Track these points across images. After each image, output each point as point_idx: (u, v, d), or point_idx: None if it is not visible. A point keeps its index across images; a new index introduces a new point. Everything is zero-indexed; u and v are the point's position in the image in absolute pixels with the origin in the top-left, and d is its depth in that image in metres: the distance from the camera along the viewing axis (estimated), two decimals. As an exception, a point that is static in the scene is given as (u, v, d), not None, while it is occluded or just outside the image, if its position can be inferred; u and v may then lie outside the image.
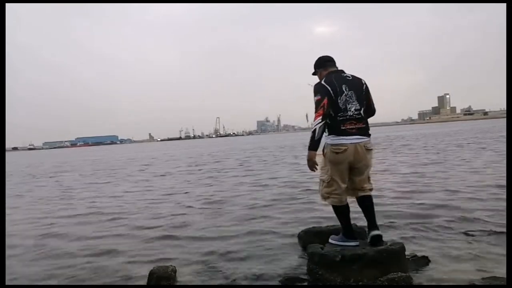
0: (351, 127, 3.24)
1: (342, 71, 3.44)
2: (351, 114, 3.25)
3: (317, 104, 3.23)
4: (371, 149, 3.36)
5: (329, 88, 3.24)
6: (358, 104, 3.28)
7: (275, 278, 3.40)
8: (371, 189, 3.48)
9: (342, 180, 3.35)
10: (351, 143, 3.22)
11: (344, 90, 3.26)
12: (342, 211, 3.45)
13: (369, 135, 3.34)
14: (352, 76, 3.39)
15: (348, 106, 3.25)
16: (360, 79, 3.42)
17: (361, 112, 3.29)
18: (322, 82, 3.33)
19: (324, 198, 3.47)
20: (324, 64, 3.50)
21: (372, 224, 3.37)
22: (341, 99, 3.24)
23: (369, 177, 3.48)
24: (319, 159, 3.35)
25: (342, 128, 3.23)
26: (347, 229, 3.44)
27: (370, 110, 3.46)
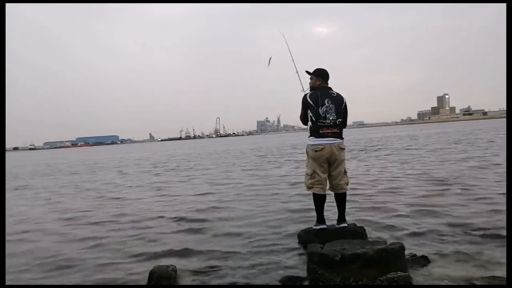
0: (327, 131, 4.07)
1: (330, 88, 4.22)
2: (328, 122, 4.06)
3: (301, 112, 4.25)
4: (344, 148, 4.19)
5: (310, 102, 4.10)
6: (335, 115, 4.09)
7: (275, 278, 3.40)
8: (347, 183, 4.25)
9: (322, 171, 4.15)
10: (327, 143, 4.04)
11: (326, 103, 4.09)
12: (320, 200, 4.21)
13: (342, 138, 4.18)
14: (336, 93, 4.20)
15: (327, 116, 4.06)
16: (342, 97, 4.20)
17: (337, 121, 4.10)
18: (307, 96, 4.16)
19: (309, 188, 4.22)
20: (321, 76, 4.26)
21: (341, 217, 4.23)
22: (322, 109, 4.07)
23: (346, 171, 4.24)
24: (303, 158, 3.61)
25: (320, 132, 4.07)
26: (319, 215, 4.24)
27: (344, 122, 4.21)
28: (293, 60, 4.77)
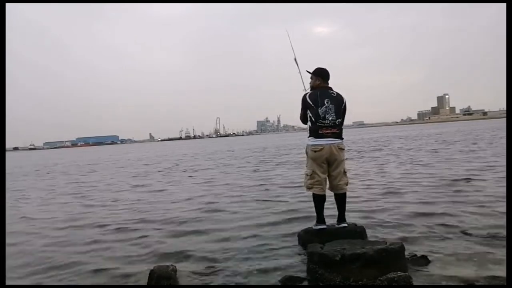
0: (327, 131, 4.04)
1: (330, 88, 4.20)
2: (328, 122, 4.04)
3: (300, 112, 4.24)
4: (343, 148, 4.18)
5: (310, 102, 4.08)
6: (335, 115, 4.06)
7: (275, 278, 3.40)
8: (346, 183, 4.25)
9: (322, 172, 4.14)
10: (326, 143, 4.03)
11: (326, 103, 4.06)
12: (320, 200, 4.20)
13: (342, 138, 4.16)
14: (336, 93, 4.17)
15: (327, 116, 4.04)
16: (342, 97, 4.17)
17: (336, 121, 4.08)
18: (307, 96, 4.13)
19: (309, 188, 4.21)
20: (321, 76, 4.24)
21: (341, 217, 4.24)
22: (321, 110, 4.04)
23: (345, 172, 4.24)
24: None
25: (320, 132, 4.05)
26: (319, 216, 4.24)
27: (342, 122, 4.19)
28: (296, 59, 4.69)
